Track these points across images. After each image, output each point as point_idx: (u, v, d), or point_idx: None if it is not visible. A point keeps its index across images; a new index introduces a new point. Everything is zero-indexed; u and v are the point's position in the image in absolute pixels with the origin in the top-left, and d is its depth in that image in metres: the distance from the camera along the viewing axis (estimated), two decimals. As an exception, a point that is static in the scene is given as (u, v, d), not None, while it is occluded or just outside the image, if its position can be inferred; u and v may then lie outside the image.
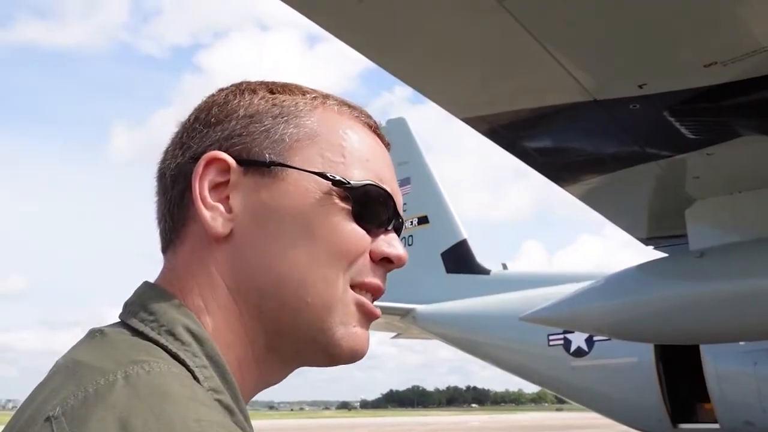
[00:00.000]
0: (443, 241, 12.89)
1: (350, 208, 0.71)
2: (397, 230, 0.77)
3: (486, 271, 12.17)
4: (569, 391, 10.23)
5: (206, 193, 0.70)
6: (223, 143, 0.72)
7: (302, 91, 0.77)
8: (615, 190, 5.78)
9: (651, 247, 7.53)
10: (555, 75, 3.75)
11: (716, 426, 8.46)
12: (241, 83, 0.78)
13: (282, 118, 0.73)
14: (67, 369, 0.60)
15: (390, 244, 0.74)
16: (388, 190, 0.75)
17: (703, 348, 8.39)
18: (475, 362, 12.73)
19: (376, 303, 0.75)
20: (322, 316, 0.70)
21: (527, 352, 10.08)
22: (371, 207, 0.73)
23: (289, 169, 0.71)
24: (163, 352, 0.61)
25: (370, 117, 0.79)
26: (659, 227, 6.88)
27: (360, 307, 0.72)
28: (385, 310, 11.48)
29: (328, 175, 0.71)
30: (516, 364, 10.51)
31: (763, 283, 5.05)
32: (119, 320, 0.68)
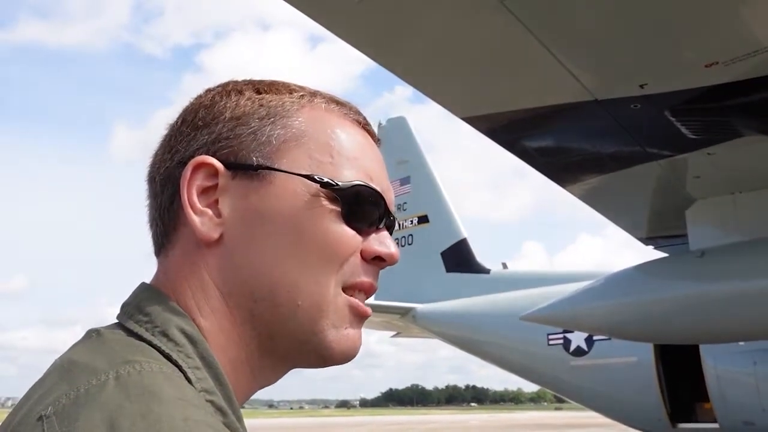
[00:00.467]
0: (443, 240, 12.88)
1: (339, 209, 0.70)
2: (389, 228, 0.76)
3: (486, 271, 12.16)
4: (568, 391, 10.23)
5: (195, 198, 0.70)
6: (211, 147, 0.71)
7: (289, 90, 0.76)
8: (615, 189, 5.78)
9: (651, 247, 7.53)
10: (556, 75, 3.75)
11: (715, 425, 8.46)
12: (227, 83, 0.77)
13: (269, 119, 0.72)
14: (62, 369, 0.61)
15: (381, 242, 0.73)
16: (378, 189, 0.74)
17: (702, 348, 8.40)
18: (475, 361, 12.74)
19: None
20: (313, 319, 0.70)
21: (527, 351, 10.08)
22: (361, 207, 0.72)
23: (276, 171, 0.70)
24: (157, 353, 0.62)
25: (359, 113, 0.78)
26: (659, 227, 6.88)
27: (352, 308, 0.72)
28: (385, 309, 11.48)
29: (316, 177, 0.70)
30: (515, 364, 10.52)
31: (763, 283, 5.05)
32: (116, 321, 0.68)
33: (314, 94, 0.77)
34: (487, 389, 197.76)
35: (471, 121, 4.40)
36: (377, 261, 0.74)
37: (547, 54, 3.53)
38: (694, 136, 4.58)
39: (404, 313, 11.60)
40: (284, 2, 2.96)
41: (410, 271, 12.24)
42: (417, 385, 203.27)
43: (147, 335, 0.64)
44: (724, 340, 6.37)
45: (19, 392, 0.67)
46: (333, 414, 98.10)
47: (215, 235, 0.70)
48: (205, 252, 0.70)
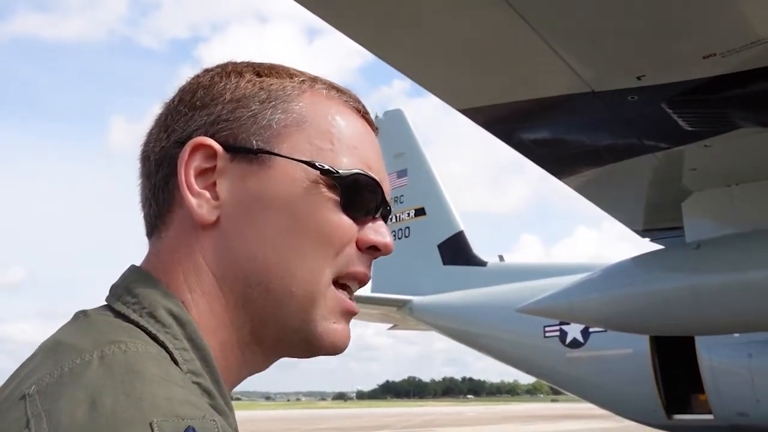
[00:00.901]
0: (440, 232, 12.89)
1: (338, 197, 0.70)
2: (385, 217, 0.76)
3: (482, 263, 12.19)
4: (565, 382, 10.29)
5: (192, 179, 0.69)
6: (209, 128, 0.70)
7: (290, 74, 0.75)
8: (612, 182, 5.78)
9: (647, 239, 7.55)
10: (553, 66, 3.74)
11: (710, 417, 8.52)
12: (227, 64, 0.76)
13: (269, 102, 0.71)
14: (48, 349, 0.61)
15: (377, 232, 0.73)
16: (376, 178, 0.73)
17: (697, 339, 8.44)
18: (471, 353, 12.78)
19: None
20: (305, 308, 0.70)
21: (523, 343, 10.12)
22: (359, 196, 0.72)
23: (276, 156, 0.70)
24: (143, 334, 0.62)
25: (359, 101, 0.78)
26: (656, 219, 6.89)
27: (340, 304, 0.72)
28: (382, 302, 11.51)
29: (317, 164, 0.70)
30: (512, 356, 10.55)
31: (759, 274, 5.07)
32: (105, 303, 0.68)
33: (314, 79, 0.76)
34: (484, 381, 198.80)
35: (468, 113, 4.40)
36: (372, 250, 0.73)
37: (544, 46, 3.52)
38: (691, 128, 4.58)
39: (401, 305, 11.62)
40: (281, -7, 2.94)
41: (407, 264, 12.27)
42: (414, 377, 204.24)
43: (134, 316, 0.63)
44: (720, 332, 6.40)
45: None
46: (330, 406, 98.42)
47: (212, 217, 0.69)
48: (200, 234, 0.70)
